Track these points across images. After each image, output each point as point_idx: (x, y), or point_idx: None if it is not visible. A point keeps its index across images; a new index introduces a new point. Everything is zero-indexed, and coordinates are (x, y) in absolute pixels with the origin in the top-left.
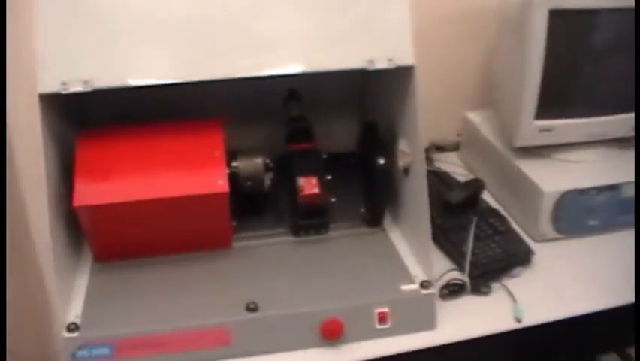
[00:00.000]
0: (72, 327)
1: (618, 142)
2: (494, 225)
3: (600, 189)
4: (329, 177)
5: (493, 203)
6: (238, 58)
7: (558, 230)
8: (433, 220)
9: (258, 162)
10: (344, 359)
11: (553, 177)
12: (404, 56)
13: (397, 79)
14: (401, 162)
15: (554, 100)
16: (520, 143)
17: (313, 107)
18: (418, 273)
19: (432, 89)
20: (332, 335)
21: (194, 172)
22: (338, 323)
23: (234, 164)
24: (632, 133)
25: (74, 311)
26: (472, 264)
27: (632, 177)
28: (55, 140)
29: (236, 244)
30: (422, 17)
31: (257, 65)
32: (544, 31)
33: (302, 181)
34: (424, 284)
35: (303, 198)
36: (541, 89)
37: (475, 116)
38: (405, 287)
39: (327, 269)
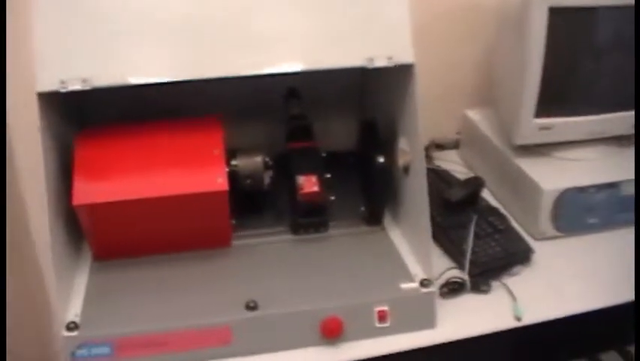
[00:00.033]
0: (72, 326)
1: (618, 140)
2: (494, 223)
3: (600, 187)
4: (328, 176)
5: (492, 201)
6: (238, 56)
7: (558, 228)
8: (432, 219)
9: (258, 160)
10: (344, 357)
11: (552, 175)
12: (404, 54)
13: (397, 77)
14: (401, 161)
15: (554, 98)
16: (520, 141)
17: (313, 106)
18: (418, 271)
19: (431, 87)
20: (332, 333)
21: (194, 170)
22: (338, 322)
23: (234, 162)
24: (632, 131)
25: (74, 310)
26: (471, 262)
27: (631, 175)
28: (54, 139)
29: (235, 243)
30: (422, 15)
31: (256, 64)
32: (544, 29)
33: (301, 179)
34: (424, 283)
35: (302, 197)
36: (540, 87)
37: (474, 115)
38: (405, 286)
39: (327, 268)
